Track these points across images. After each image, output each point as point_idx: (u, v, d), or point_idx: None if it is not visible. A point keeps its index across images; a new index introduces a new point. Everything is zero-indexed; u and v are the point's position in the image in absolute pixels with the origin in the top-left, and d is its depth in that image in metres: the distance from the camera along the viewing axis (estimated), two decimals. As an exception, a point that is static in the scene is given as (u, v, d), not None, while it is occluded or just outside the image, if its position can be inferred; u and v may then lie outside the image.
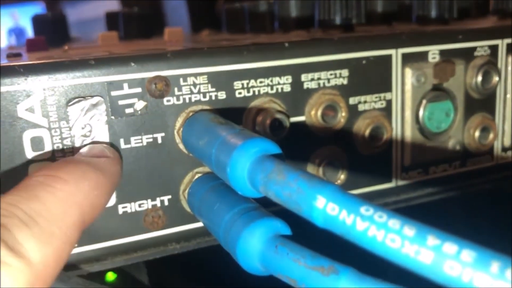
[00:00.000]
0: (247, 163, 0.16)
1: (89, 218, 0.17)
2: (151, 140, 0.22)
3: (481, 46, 0.28)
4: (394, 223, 0.12)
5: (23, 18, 1.73)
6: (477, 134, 0.28)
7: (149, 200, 0.22)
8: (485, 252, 0.11)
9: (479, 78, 0.27)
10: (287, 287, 0.15)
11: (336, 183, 0.25)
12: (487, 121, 0.28)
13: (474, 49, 0.28)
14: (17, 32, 1.74)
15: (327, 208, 0.13)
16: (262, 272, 0.16)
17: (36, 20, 0.45)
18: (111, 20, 0.52)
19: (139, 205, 0.22)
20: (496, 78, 0.28)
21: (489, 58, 0.28)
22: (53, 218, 0.15)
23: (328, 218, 0.13)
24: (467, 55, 0.28)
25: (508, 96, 0.29)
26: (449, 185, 0.28)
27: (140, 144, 0.22)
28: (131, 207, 0.22)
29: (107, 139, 0.21)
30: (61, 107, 0.20)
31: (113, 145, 0.21)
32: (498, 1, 0.38)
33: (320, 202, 0.13)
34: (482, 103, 0.28)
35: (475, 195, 0.29)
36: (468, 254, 0.11)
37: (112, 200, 0.21)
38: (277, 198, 0.15)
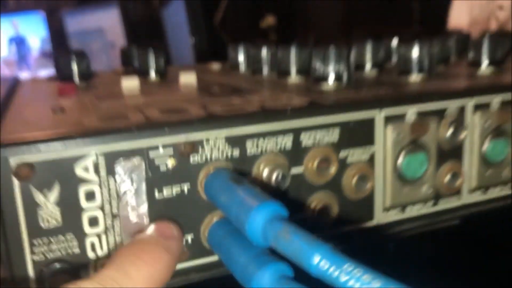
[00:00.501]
0: (261, 222, 0.21)
1: None
2: (179, 190, 0.27)
3: (452, 105, 0.33)
4: (367, 277, 0.17)
5: (23, 27, 1.77)
6: (447, 179, 0.33)
7: (176, 239, 0.27)
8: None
9: (450, 133, 0.33)
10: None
11: (328, 222, 0.31)
12: (456, 168, 0.34)
13: (445, 108, 0.33)
14: (17, 41, 1.79)
15: (321, 264, 0.18)
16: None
17: (59, 58, 0.49)
18: (126, 56, 0.57)
19: (168, 243, 0.27)
20: (464, 133, 0.33)
21: (457, 116, 0.33)
22: None
23: (321, 271, 0.18)
24: (440, 113, 0.33)
25: (475, 147, 0.34)
26: (422, 222, 0.33)
27: (171, 194, 0.27)
28: (162, 244, 0.27)
29: (144, 191, 0.26)
30: (109, 166, 0.25)
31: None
32: (475, 53, 0.43)
33: (316, 259, 0.18)
34: (452, 153, 0.34)
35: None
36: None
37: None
38: (284, 252, 0.20)
